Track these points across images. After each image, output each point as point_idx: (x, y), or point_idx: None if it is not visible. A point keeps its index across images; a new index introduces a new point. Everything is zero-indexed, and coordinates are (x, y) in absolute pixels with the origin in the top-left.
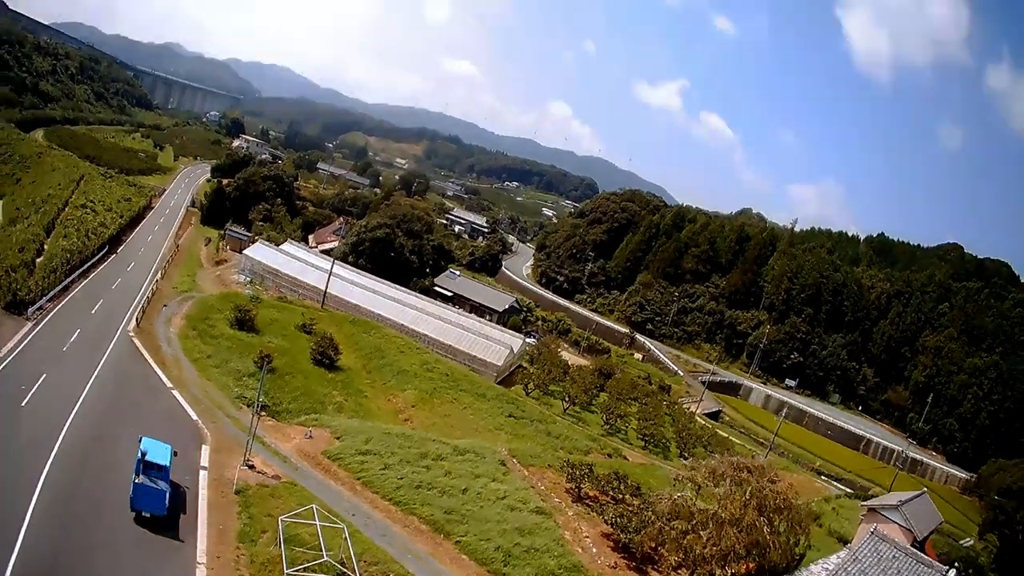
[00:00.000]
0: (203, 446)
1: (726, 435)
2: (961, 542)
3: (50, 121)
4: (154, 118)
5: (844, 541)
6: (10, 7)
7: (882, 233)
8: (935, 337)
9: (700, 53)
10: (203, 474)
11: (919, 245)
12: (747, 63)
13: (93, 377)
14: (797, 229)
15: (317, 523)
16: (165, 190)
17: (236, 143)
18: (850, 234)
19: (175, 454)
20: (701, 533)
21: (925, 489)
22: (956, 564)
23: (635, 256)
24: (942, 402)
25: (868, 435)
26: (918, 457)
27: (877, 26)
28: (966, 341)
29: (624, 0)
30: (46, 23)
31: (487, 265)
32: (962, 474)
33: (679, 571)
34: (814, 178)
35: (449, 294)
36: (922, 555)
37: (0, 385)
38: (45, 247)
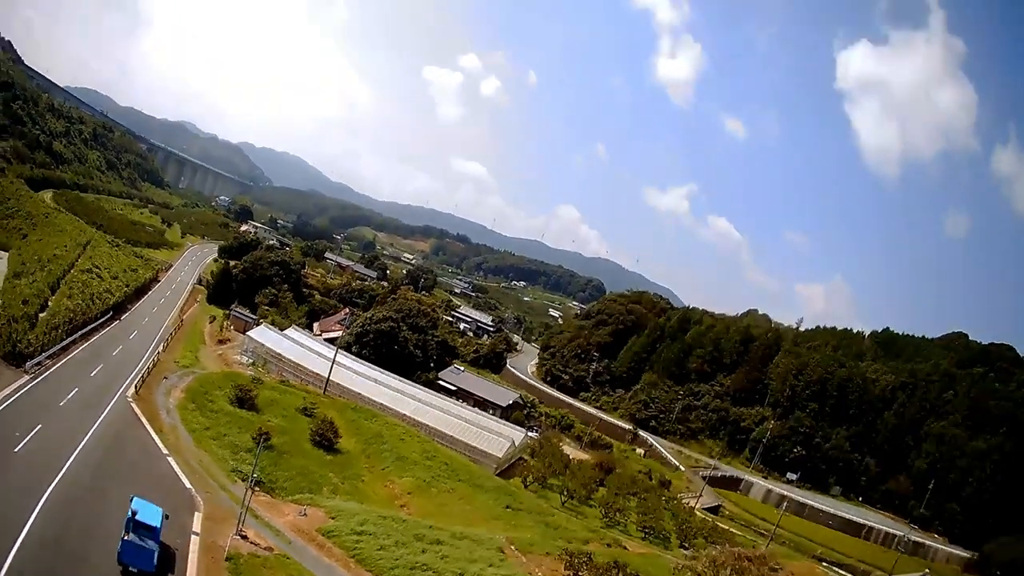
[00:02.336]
0: (196, 513)
1: (726, 527)
2: None
3: (60, 183)
4: (164, 196)
5: None
6: (26, 63)
7: (887, 328)
8: (939, 424)
9: (709, 155)
10: (194, 539)
11: (924, 336)
12: (756, 164)
13: (89, 434)
14: (802, 328)
15: None
16: (172, 265)
17: (244, 227)
18: (855, 330)
19: (166, 517)
20: None
21: (927, 570)
22: None
23: (640, 357)
24: (944, 487)
25: (869, 523)
26: (920, 540)
27: (885, 120)
28: (970, 426)
29: (637, 104)
30: (60, 85)
31: (491, 362)
32: (964, 553)
33: None
34: (821, 277)
35: (453, 388)
36: None
37: None
38: (49, 304)
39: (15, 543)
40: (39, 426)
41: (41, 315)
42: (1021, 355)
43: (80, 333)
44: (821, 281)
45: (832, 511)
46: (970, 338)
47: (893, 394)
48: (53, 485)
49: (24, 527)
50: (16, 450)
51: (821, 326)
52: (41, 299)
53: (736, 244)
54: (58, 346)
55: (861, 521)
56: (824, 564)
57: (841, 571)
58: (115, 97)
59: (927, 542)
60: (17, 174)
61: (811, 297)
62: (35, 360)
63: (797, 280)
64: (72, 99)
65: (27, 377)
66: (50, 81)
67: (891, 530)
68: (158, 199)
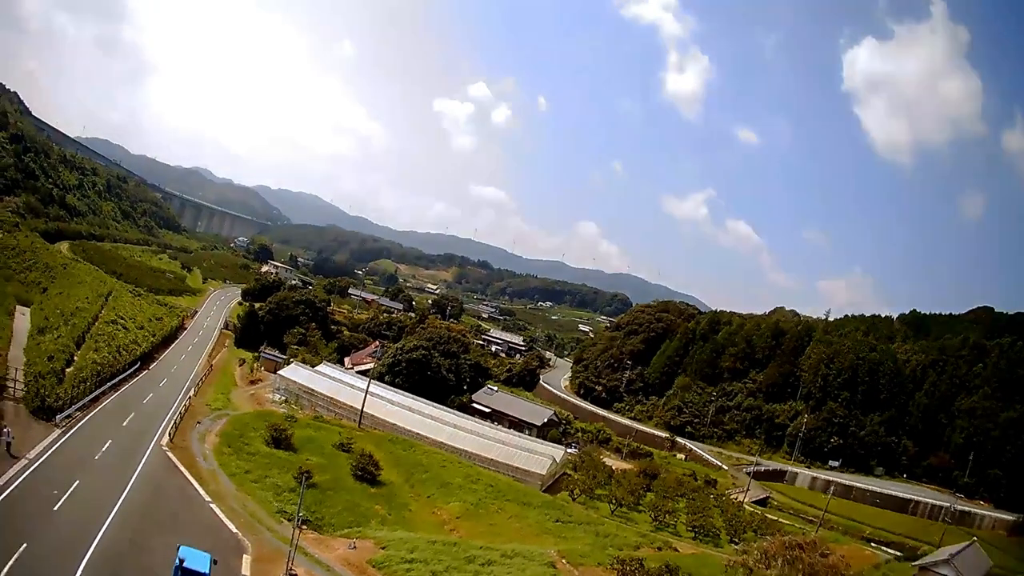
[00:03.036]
0: (244, 556)
1: (775, 518)
2: None
3: (76, 235)
4: (182, 240)
5: None
6: (34, 114)
7: (914, 309)
8: (969, 399)
9: (725, 163)
10: None
11: (951, 314)
12: (771, 168)
13: (128, 487)
14: (831, 318)
15: None
16: (197, 311)
17: (265, 268)
18: (883, 315)
19: (215, 562)
20: None
21: (975, 538)
22: None
23: (672, 361)
24: (983, 458)
25: (916, 497)
26: (966, 509)
27: (894, 113)
28: (1001, 396)
29: (648, 118)
30: (71, 136)
31: (524, 380)
32: (1009, 517)
33: None
34: (842, 271)
35: (487, 410)
36: None
37: (31, 488)
38: (75, 358)
39: None
40: (76, 482)
41: (68, 370)
42: None
43: (109, 384)
44: (842, 275)
45: (878, 489)
46: (996, 311)
47: (924, 373)
48: (96, 541)
49: None
50: (56, 508)
51: (849, 315)
52: (67, 354)
53: (756, 247)
54: (87, 398)
55: (907, 496)
56: (872, 544)
57: (889, 550)
58: (127, 146)
59: (973, 510)
60: (32, 228)
61: (834, 292)
62: (65, 413)
63: (819, 277)
64: (84, 150)
65: (58, 431)
66: (61, 133)
67: (937, 502)
68: (176, 244)
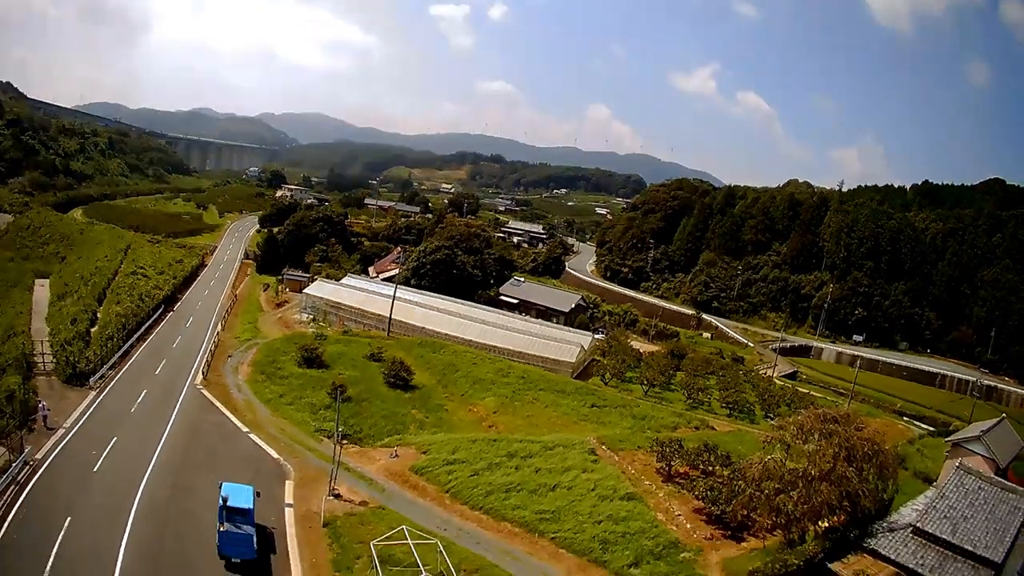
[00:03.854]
0: (287, 482)
1: (806, 391)
2: None
3: (87, 199)
4: (194, 182)
5: (929, 481)
6: (30, 96)
7: (927, 180)
8: (992, 271)
9: (727, 38)
10: (288, 511)
11: (964, 184)
12: (774, 39)
13: (165, 433)
14: (845, 189)
15: (410, 542)
16: (216, 247)
17: (279, 193)
18: (896, 185)
19: (258, 495)
20: (792, 493)
21: (1004, 415)
22: None
23: (694, 237)
24: (1006, 332)
25: (942, 371)
26: (991, 384)
27: None
28: (1021, 269)
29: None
30: (70, 107)
31: (550, 268)
32: None
33: (774, 533)
34: (854, 139)
35: (515, 301)
36: (1006, 482)
37: (70, 455)
38: (98, 315)
39: (115, 568)
40: (114, 439)
41: (93, 330)
42: None
43: (136, 336)
44: (854, 144)
45: (904, 363)
46: (1007, 183)
47: (944, 242)
48: (139, 495)
49: (120, 548)
50: (96, 469)
51: (863, 185)
52: (89, 313)
53: (767, 117)
54: (117, 354)
55: (933, 370)
56: (905, 418)
57: (922, 424)
58: (126, 103)
59: (999, 385)
60: (42, 203)
61: (846, 161)
62: (98, 375)
63: (831, 145)
64: (83, 116)
65: (93, 394)
66: (58, 107)
67: (963, 376)
68: (188, 186)
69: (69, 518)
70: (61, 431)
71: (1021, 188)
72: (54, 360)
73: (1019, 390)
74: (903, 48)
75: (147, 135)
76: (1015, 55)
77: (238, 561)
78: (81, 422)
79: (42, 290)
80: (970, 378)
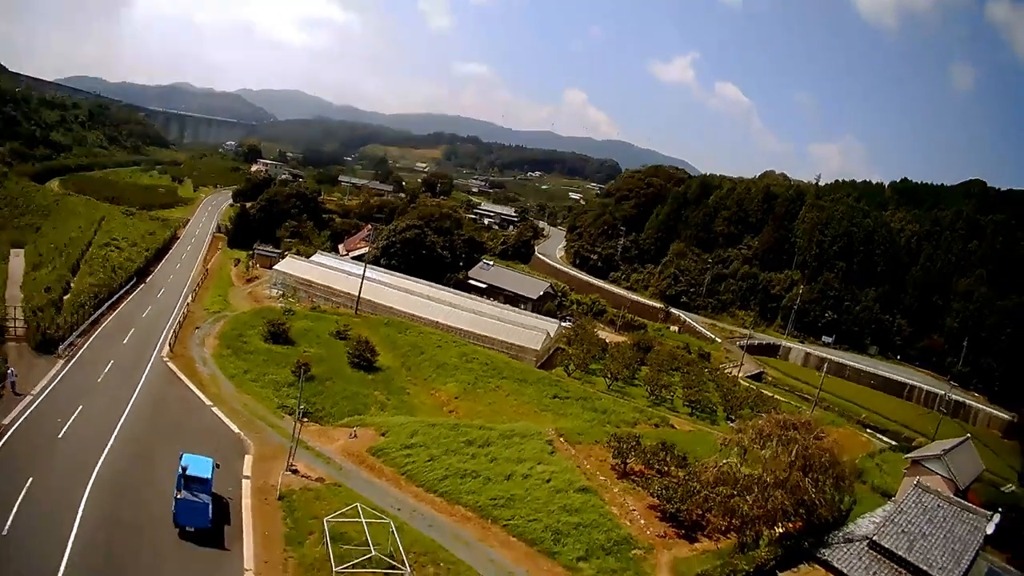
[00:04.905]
0: (245, 456)
1: (771, 394)
2: (1003, 488)
3: (65, 170)
4: (170, 154)
5: (888, 496)
6: (10, 69)
7: (905, 178)
8: (965, 282)
9: (708, 26)
10: (246, 483)
11: (943, 184)
12: (756, 30)
13: (130, 403)
14: (822, 183)
15: (363, 520)
16: (189, 220)
17: (255, 168)
18: (874, 182)
19: (217, 466)
20: (747, 497)
21: (968, 435)
22: (1000, 509)
23: (666, 226)
24: (978, 344)
25: (911, 381)
26: (960, 399)
27: None
28: (996, 281)
29: None
30: (49, 80)
31: (520, 252)
32: (1004, 415)
33: (728, 535)
34: (833, 135)
35: (483, 286)
36: (965, 503)
37: (36, 423)
38: (72, 285)
39: (72, 530)
40: (80, 408)
41: (66, 298)
42: None
43: (107, 305)
44: (834, 140)
45: (872, 370)
46: (988, 185)
47: (919, 245)
48: (100, 462)
49: (77, 512)
50: (60, 436)
51: (841, 180)
52: (63, 283)
53: (746, 109)
54: (87, 322)
55: (902, 380)
56: (868, 430)
57: (884, 438)
58: (105, 76)
59: (968, 401)
60: (20, 173)
61: (826, 156)
62: (67, 342)
63: (810, 140)
64: (64, 89)
65: (61, 362)
66: (39, 80)
67: (932, 389)
68: (165, 159)
69: (31, 479)
70: (28, 397)
71: (1001, 192)
72: (24, 325)
73: (987, 408)
74: (887, 46)
75: (127, 108)
76: (999, 55)
77: (192, 530)
78: (49, 389)
79: (17, 260)
80: (939, 391)
